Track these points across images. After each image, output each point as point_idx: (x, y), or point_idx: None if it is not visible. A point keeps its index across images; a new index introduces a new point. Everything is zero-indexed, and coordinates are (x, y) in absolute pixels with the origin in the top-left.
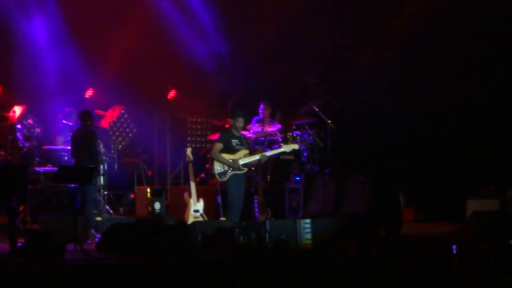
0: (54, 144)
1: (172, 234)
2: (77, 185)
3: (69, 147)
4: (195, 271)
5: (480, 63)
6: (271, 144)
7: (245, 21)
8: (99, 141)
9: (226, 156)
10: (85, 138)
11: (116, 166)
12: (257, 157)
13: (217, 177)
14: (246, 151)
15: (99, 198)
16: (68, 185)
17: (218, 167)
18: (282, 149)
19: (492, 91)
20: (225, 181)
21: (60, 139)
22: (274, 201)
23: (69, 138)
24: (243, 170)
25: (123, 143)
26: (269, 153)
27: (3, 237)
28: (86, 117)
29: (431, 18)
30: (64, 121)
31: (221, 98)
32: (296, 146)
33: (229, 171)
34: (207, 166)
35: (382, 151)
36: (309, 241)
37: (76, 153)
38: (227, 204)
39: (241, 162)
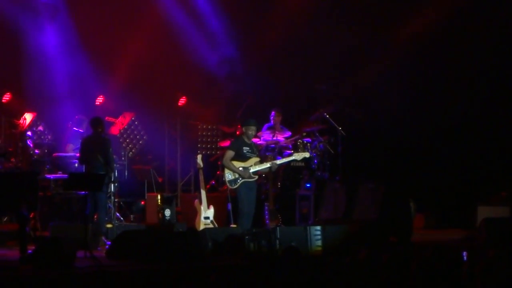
0: (64, 151)
1: (183, 241)
2: (87, 192)
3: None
4: (205, 278)
5: (492, 70)
6: (282, 151)
7: (255, 28)
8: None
9: (237, 164)
10: (99, 145)
11: (126, 173)
12: (267, 165)
13: (228, 184)
14: (257, 159)
15: (110, 205)
16: (78, 192)
17: (228, 175)
18: (293, 157)
19: (504, 97)
20: (235, 188)
21: (70, 146)
22: (284, 208)
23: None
24: (253, 178)
25: (133, 150)
26: (279, 161)
27: (13, 244)
28: (98, 124)
29: (444, 25)
30: (74, 128)
31: (232, 104)
32: (307, 155)
33: (240, 179)
34: (217, 173)
35: (392, 157)
36: (320, 248)
37: (86, 160)
38: (237, 211)
39: (251, 170)
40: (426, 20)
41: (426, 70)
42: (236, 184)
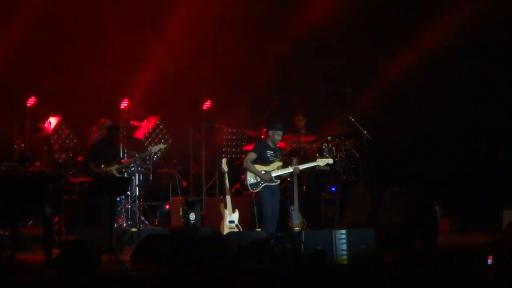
0: None
1: (207, 245)
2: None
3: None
4: (230, 282)
5: None
6: (306, 156)
7: (279, 29)
8: (134, 151)
9: (259, 168)
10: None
11: (151, 177)
12: (290, 169)
13: (250, 188)
14: (280, 163)
15: (134, 208)
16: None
17: (250, 178)
18: (316, 163)
19: None
20: (257, 192)
21: None
22: (309, 212)
23: None
24: (275, 182)
25: (158, 154)
26: (302, 166)
27: (38, 248)
28: (112, 131)
29: (472, 26)
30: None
31: (257, 108)
32: (330, 161)
33: (261, 182)
34: (242, 177)
35: (418, 161)
36: (345, 252)
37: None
38: (262, 215)
39: (274, 174)
40: (456, 21)
41: (452, 73)
42: (258, 188)
